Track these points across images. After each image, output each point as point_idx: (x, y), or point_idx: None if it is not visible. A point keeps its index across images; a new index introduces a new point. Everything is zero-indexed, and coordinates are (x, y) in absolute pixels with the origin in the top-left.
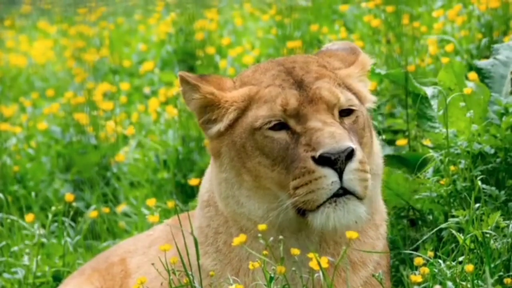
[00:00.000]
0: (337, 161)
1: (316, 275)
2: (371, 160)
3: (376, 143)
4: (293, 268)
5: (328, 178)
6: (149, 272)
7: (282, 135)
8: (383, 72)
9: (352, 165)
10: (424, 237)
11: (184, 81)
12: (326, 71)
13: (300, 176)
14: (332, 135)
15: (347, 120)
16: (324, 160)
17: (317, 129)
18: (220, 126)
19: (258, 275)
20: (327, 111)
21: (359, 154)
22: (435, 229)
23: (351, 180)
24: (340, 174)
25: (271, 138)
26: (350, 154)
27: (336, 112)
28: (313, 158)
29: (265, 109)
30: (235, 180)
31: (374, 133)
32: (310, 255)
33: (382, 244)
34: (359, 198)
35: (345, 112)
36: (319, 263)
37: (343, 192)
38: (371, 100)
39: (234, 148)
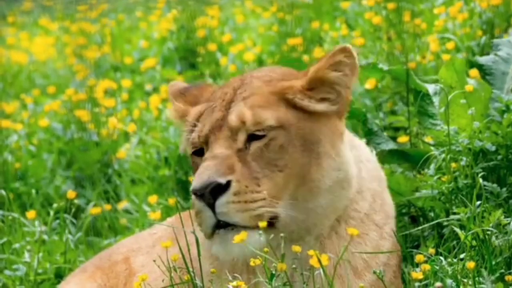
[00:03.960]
0: (203, 197)
1: (316, 272)
2: (311, 178)
3: (340, 155)
4: (294, 266)
5: (204, 212)
6: (154, 271)
7: (200, 162)
8: (385, 67)
9: (223, 198)
10: (425, 233)
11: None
12: (264, 88)
13: (193, 208)
14: (205, 169)
15: (256, 145)
16: (196, 195)
17: (204, 161)
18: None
19: (253, 275)
20: (229, 137)
21: (236, 186)
22: (434, 222)
23: (224, 213)
24: (213, 207)
25: (196, 163)
26: (216, 188)
27: (241, 137)
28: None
29: (193, 132)
30: None
31: (328, 147)
32: (311, 252)
33: (390, 243)
34: (247, 227)
35: (257, 136)
36: (320, 261)
37: (225, 224)
38: (319, 111)
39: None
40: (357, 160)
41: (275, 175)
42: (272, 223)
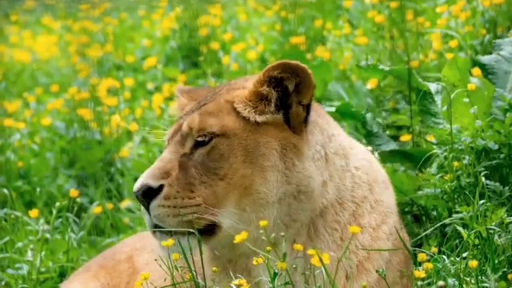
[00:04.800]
0: (139, 199)
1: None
2: (256, 189)
3: (293, 169)
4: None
5: (144, 213)
6: (158, 269)
7: None
8: (386, 68)
9: (155, 202)
10: (428, 232)
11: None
12: (223, 96)
13: None
14: (146, 172)
15: (200, 151)
16: (136, 197)
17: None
18: None
19: (254, 274)
20: (179, 142)
21: (166, 191)
22: (438, 225)
23: (156, 217)
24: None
25: None
26: (148, 191)
27: (189, 143)
28: None
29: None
30: None
31: (275, 161)
32: (311, 251)
33: (389, 243)
34: (176, 232)
35: (202, 143)
36: (322, 259)
37: (159, 227)
38: (260, 122)
39: None
40: (343, 170)
41: (214, 183)
42: (212, 230)
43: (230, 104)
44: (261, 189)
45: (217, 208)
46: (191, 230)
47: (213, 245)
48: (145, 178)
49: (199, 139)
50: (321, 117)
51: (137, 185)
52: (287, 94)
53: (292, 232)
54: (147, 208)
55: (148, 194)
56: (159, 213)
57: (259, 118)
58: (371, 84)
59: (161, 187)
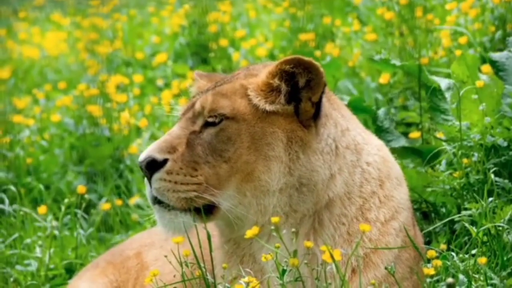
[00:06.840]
0: (142, 170)
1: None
2: (258, 177)
3: (297, 162)
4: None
5: (147, 185)
6: (168, 264)
7: None
8: (398, 63)
9: (157, 175)
10: (437, 229)
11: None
12: (239, 80)
13: None
14: (153, 144)
15: (209, 131)
16: (140, 168)
17: None
18: None
19: (259, 258)
20: (190, 119)
21: (170, 165)
22: (446, 220)
23: (157, 190)
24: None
25: None
26: (151, 163)
27: (199, 122)
28: None
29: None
30: None
31: (279, 152)
32: (323, 247)
33: (399, 239)
34: (174, 208)
35: (212, 123)
36: (333, 256)
37: (158, 200)
38: (269, 110)
39: None
40: (353, 164)
41: (218, 165)
42: (209, 211)
43: (244, 89)
44: (262, 177)
45: (218, 189)
46: (189, 208)
47: (218, 225)
48: (151, 150)
49: (210, 119)
50: (336, 110)
51: (142, 156)
52: (297, 89)
53: (292, 221)
54: (150, 180)
55: (152, 166)
56: (160, 187)
57: (269, 107)
58: (383, 79)
59: (165, 160)
